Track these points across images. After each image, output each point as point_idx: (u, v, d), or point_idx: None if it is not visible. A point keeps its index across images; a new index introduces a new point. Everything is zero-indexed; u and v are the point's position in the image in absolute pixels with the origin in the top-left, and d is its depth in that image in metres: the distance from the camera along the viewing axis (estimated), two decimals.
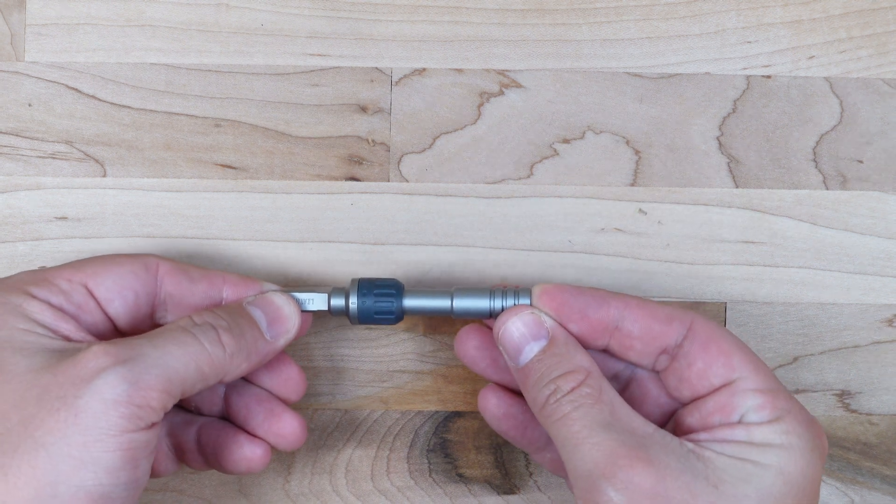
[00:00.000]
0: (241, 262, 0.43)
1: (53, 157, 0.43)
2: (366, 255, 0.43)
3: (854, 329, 0.44)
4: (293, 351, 0.43)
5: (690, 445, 0.34)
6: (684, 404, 0.37)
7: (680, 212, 0.44)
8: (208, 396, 0.40)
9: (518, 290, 0.38)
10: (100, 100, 0.43)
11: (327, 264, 0.43)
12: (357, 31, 0.43)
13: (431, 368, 0.43)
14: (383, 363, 0.43)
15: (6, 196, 0.43)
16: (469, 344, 0.39)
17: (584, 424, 0.34)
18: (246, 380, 0.39)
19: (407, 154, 0.43)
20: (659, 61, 0.44)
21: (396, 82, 0.43)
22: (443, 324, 0.43)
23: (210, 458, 0.39)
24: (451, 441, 0.43)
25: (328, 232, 0.43)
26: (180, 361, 0.34)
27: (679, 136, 0.44)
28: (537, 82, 0.43)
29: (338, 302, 0.39)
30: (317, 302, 0.39)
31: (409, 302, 0.39)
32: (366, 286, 0.39)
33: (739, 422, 0.35)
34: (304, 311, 0.39)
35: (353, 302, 0.39)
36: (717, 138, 0.44)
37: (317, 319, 0.41)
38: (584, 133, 0.43)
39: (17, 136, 0.43)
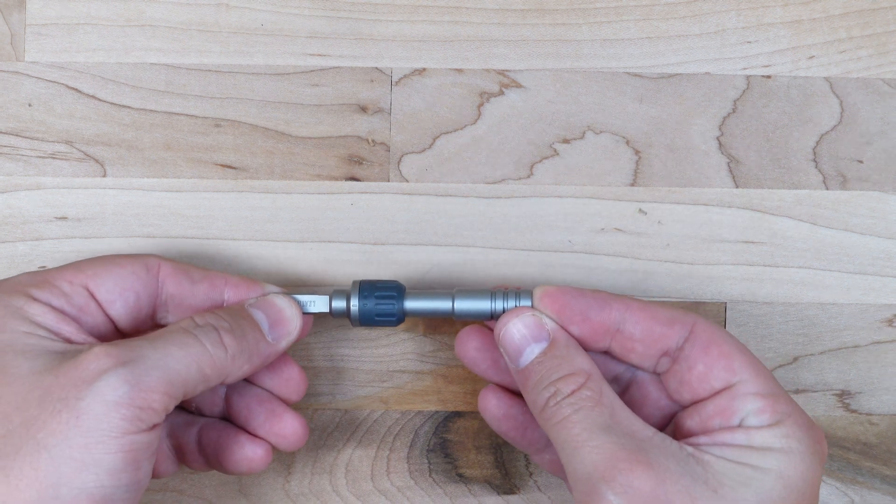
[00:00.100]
0: (241, 262, 0.43)
1: (53, 157, 0.43)
2: (366, 255, 0.43)
3: (854, 329, 0.44)
4: (293, 351, 0.43)
5: (690, 449, 0.34)
6: (685, 407, 0.37)
7: (680, 212, 0.44)
8: (209, 397, 0.40)
9: (519, 291, 0.38)
10: (100, 100, 0.43)
11: (327, 264, 0.43)
12: (357, 31, 0.43)
13: (431, 368, 0.43)
14: (383, 363, 0.43)
15: (6, 196, 0.43)
16: (469, 345, 0.39)
17: (584, 427, 0.34)
18: (247, 380, 0.39)
19: (407, 154, 0.43)
20: (659, 61, 0.44)
21: (396, 82, 0.43)
22: (443, 324, 0.43)
23: (211, 458, 0.39)
24: (451, 441, 0.43)
25: (328, 232, 0.43)
26: (182, 363, 0.34)
27: (679, 136, 0.44)
28: (537, 82, 0.43)
29: (339, 304, 0.39)
30: (318, 304, 0.39)
31: (410, 304, 0.39)
32: (367, 288, 0.39)
33: (739, 425, 0.35)
34: (305, 314, 0.39)
35: (354, 304, 0.39)
36: (717, 138, 0.44)
37: (317, 320, 0.41)
38: (584, 133, 0.43)
39: (17, 136, 0.43)
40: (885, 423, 0.44)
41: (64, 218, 0.43)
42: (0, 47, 0.43)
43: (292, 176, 0.43)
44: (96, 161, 0.43)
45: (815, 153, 0.44)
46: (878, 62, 0.44)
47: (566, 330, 0.37)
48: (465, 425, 0.44)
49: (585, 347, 0.38)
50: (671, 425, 0.38)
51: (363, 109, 0.43)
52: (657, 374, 0.38)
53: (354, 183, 0.43)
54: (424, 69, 0.43)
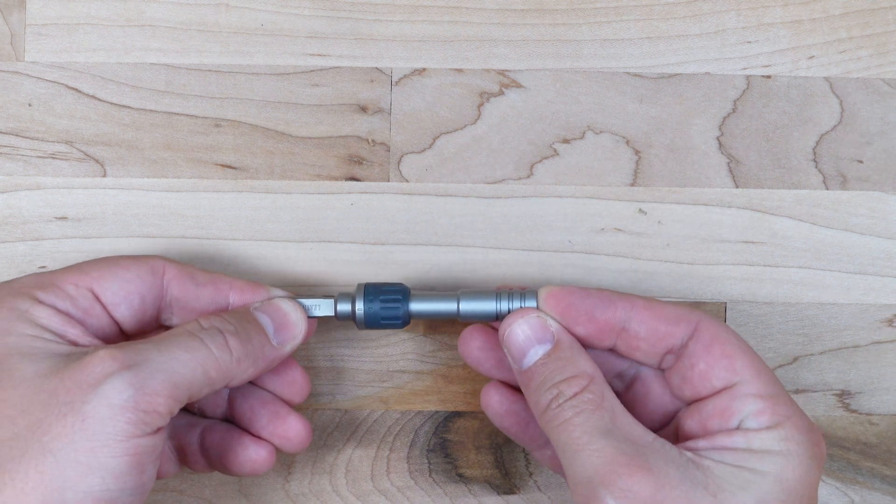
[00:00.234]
0: (242, 262, 0.43)
1: (53, 157, 0.43)
2: (366, 255, 0.43)
3: (854, 329, 0.44)
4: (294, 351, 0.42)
5: (689, 454, 0.34)
6: (687, 404, 0.37)
7: (680, 212, 0.44)
8: (212, 399, 0.40)
9: (524, 292, 0.38)
10: (100, 100, 0.43)
11: (327, 264, 0.43)
12: (357, 31, 0.43)
13: (431, 368, 0.43)
14: (383, 363, 0.43)
15: (6, 196, 0.43)
16: (473, 345, 0.39)
17: (585, 430, 0.34)
18: (250, 382, 0.39)
19: (407, 154, 0.43)
20: (659, 61, 0.44)
21: (396, 82, 0.43)
22: (443, 324, 0.43)
23: (214, 460, 0.39)
24: (451, 441, 0.43)
25: (328, 232, 0.43)
26: (187, 366, 0.34)
27: (679, 136, 0.44)
28: (537, 82, 0.43)
29: (344, 307, 0.39)
30: (323, 308, 0.39)
31: (416, 306, 0.39)
32: (372, 291, 0.39)
33: (738, 427, 0.35)
34: (310, 318, 0.39)
35: (360, 307, 0.39)
36: (717, 138, 0.44)
37: (319, 321, 0.41)
38: (584, 133, 0.43)
39: (17, 136, 0.43)
40: (885, 423, 0.44)
41: (64, 218, 0.43)
42: (0, 47, 0.43)
43: (292, 176, 0.43)
44: (96, 161, 0.43)
45: (815, 153, 0.44)
46: (878, 62, 0.44)
47: (571, 330, 0.37)
48: (465, 425, 0.44)
49: (591, 346, 0.38)
50: (673, 423, 0.38)
51: (363, 109, 0.43)
52: (661, 370, 0.38)
53: (354, 183, 0.43)
54: (424, 69, 0.43)
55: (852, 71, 0.44)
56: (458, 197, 0.43)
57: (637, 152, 0.43)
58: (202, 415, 0.40)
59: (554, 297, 0.37)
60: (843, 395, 0.44)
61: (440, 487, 0.43)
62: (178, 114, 0.43)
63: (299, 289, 0.43)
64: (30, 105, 0.43)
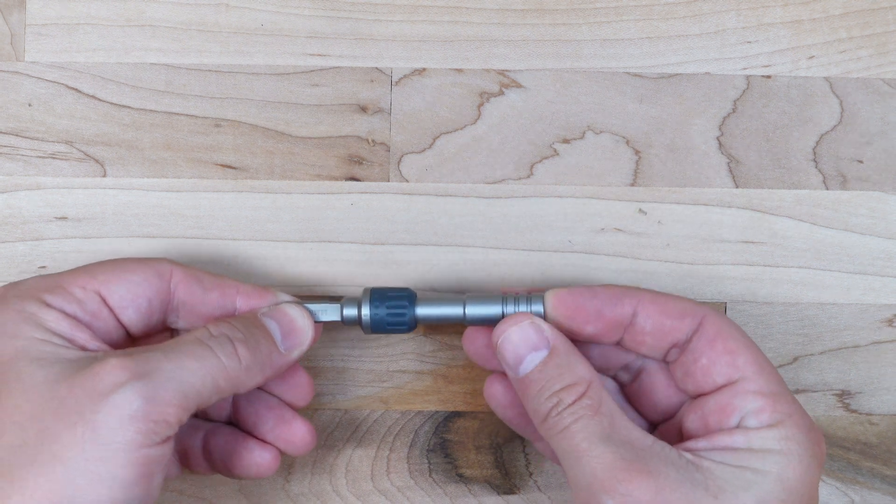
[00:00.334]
0: (241, 262, 0.43)
1: (53, 157, 0.43)
2: (366, 255, 0.43)
3: (854, 329, 0.44)
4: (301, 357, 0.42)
5: (689, 456, 0.34)
6: (691, 398, 0.37)
7: (680, 212, 0.44)
8: (217, 403, 0.40)
9: (530, 296, 0.38)
10: (100, 100, 0.43)
11: (327, 264, 0.43)
12: (357, 31, 0.43)
13: (431, 368, 0.43)
14: (383, 363, 0.43)
15: (6, 196, 0.43)
16: (478, 342, 0.39)
17: (584, 437, 0.34)
18: None
19: (407, 154, 0.43)
20: (659, 61, 0.44)
21: (396, 82, 0.43)
22: (444, 325, 0.43)
23: (217, 463, 0.39)
24: (451, 441, 0.43)
25: (328, 232, 0.43)
26: (196, 375, 0.34)
27: (679, 136, 0.44)
28: (537, 82, 0.43)
29: (350, 312, 0.39)
30: (329, 312, 0.39)
31: (422, 311, 0.39)
32: (378, 296, 0.39)
33: (738, 426, 0.35)
34: (316, 322, 0.39)
35: (366, 312, 0.39)
36: (717, 138, 0.44)
37: (323, 324, 0.41)
38: (584, 133, 0.43)
39: (17, 136, 0.43)
40: (885, 423, 0.44)
41: (64, 218, 0.43)
42: (0, 47, 0.43)
43: (292, 176, 0.43)
44: (96, 161, 0.43)
45: (815, 153, 0.44)
46: (878, 62, 0.44)
47: (581, 330, 0.37)
48: (465, 425, 0.44)
49: (598, 342, 0.38)
50: (677, 416, 0.38)
51: (363, 109, 0.43)
52: (667, 363, 0.38)
53: (354, 183, 0.43)
54: (424, 69, 0.43)
55: (852, 71, 0.44)
56: (458, 197, 0.43)
57: (637, 152, 0.43)
58: (206, 418, 0.40)
59: (561, 300, 0.37)
60: (843, 395, 0.44)
61: (440, 487, 0.43)
62: (178, 114, 0.43)
63: (299, 289, 0.43)
64: (30, 105, 0.43)
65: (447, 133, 0.43)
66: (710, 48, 0.44)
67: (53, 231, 0.43)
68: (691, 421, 0.37)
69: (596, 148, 0.43)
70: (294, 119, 0.43)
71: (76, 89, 0.43)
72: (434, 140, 0.43)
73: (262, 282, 0.43)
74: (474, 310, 0.39)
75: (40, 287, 0.36)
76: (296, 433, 0.39)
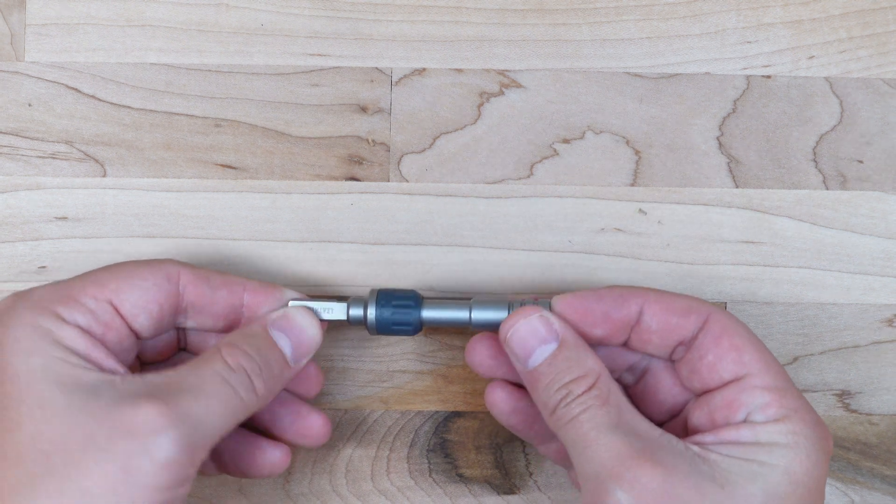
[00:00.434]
0: (241, 262, 0.43)
1: (53, 157, 0.43)
2: (366, 255, 0.43)
3: (854, 329, 0.44)
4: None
5: (696, 449, 0.35)
6: (696, 396, 0.38)
7: (680, 212, 0.44)
8: None
9: (537, 301, 0.38)
10: (100, 100, 0.43)
11: (327, 264, 0.43)
12: (357, 31, 0.43)
13: (431, 368, 0.43)
14: (383, 363, 0.43)
15: (6, 196, 0.43)
16: (483, 353, 0.39)
17: (592, 426, 0.35)
18: None
19: (407, 154, 0.43)
20: (659, 61, 0.44)
21: (396, 82, 0.43)
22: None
23: (228, 464, 0.39)
24: (451, 441, 0.43)
25: (328, 232, 0.43)
26: (223, 419, 0.34)
27: (679, 136, 0.44)
28: (537, 82, 0.43)
29: (356, 312, 0.39)
30: (336, 311, 0.39)
31: (427, 313, 0.39)
32: (384, 297, 0.39)
33: (745, 420, 0.35)
34: (322, 321, 0.39)
35: (372, 313, 0.39)
36: (717, 138, 0.44)
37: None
38: (584, 133, 0.43)
39: (17, 136, 0.43)
40: (885, 423, 0.44)
41: (64, 218, 0.43)
42: (0, 47, 0.43)
43: (292, 176, 0.43)
44: (96, 161, 0.43)
45: (815, 153, 0.44)
46: (878, 62, 0.44)
47: (589, 334, 0.37)
48: (465, 425, 0.44)
49: (606, 344, 0.38)
50: (682, 415, 0.38)
51: (363, 109, 0.43)
52: (672, 362, 0.38)
53: (354, 183, 0.43)
54: (424, 69, 0.43)
55: (852, 71, 0.44)
56: (458, 197, 0.43)
57: (637, 152, 0.44)
58: None
59: (568, 305, 0.37)
60: (843, 395, 0.44)
61: (440, 487, 0.43)
62: (178, 114, 0.43)
63: (300, 289, 0.43)
64: (30, 105, 0.43)
65: (447, 133, 0.43)
66: (710, 48, 0.44)
67: (53, 231, 0.43)
68: (697, 417, 0.37)
69: (596, 148, 0.43)
70: (294, 119, 0.43)
71: (76, 89, 0.43)
72: (434, 140, 0.43)
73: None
74: (480, 314, 0.39)
75: (52, 298, 0.35)
76: (313, 426, 0.39)
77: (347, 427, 0.43)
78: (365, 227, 0.43)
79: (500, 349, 0.39)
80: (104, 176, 0.43)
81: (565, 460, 0.40)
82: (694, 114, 0.44)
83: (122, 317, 0.36)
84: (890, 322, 0.44)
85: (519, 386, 0.40)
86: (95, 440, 0.32)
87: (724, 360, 0.36)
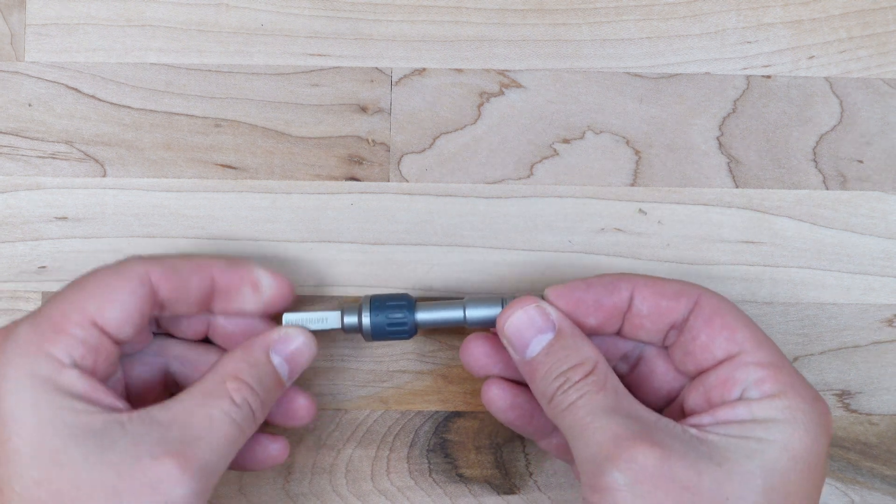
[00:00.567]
0: None
1: (53, 157, 0.43)
2: (366, 255, 0.43)
3: (854, 329, 0.44)
4: None
5: (693, 430, 0.35)
6: (691, 379, 0.38)
7: (680, 212, 0.44)
8: None
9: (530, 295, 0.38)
10: (100, 100, 0.43)
11: (327, 264, 0.43)
12: (357, 31, 0.43)
13: (431, 368, 0.43)
14: (383, 363, 0.43)
15: (6, 196, 0.43)
16: (478, 351, 0.39)
17: (589, 411, 0.35)
18: None
19: (407, 154, 0.43)
20: (659, 61, 0.44)
21: (396, 82, 0.43)
22: None
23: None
24: (451, 441, 0.43)
25: (328, 232, 0.43)
26: (229, 456, 0.36)
27: (679, 136, 0.44)
28: (537, 82, 0.43)
29: (350, 320, 0.39)
30: (330, 321, 0.39)
31: (422, 315, 0.39)
32: (377, 303, 0.39)
33: (741, 398, 0.35)
34: (316, 331, 0.39)
35: (366, 319, 0.39)
36: (717, 138, 0.44)
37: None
38: (584, 133, 0.43)
39: (17, 136, 0.43)
40: (885, 423, 0.44)
41: (64, 218, 0.43)
42: (0, 47, 0.43)
43: (292, 176, 0.43)
44: (96, 161, 0.43)
45: (815, 153, 0.44)
46: (878, 62, 0.44)
47: (583, 323, 0.38)
48: (465, 425, 0.44)
49: (600, 334, 0.38)
50: (678, 400, 0.38)
51: (363, 109, 0.43)
52: (665, 348, 0.38)
53: (354, 183, 0.43)
54: (424, 69, 0.43)
55: (852, 71, 0.44)
56: (458, 197, 0.43)
57: (637, 152, 0.43)
58: None
59: (560, 296, 0.38)
60: (843, 395, 0.44)
61: (440, 487, 0.43)
62: (178, 114, 0.43)
63: (299, 289, 0.43)
64: (30, 105, 0.43)
65: (447, 133, 0.43)
66: (710, 48, 0.44)
67: (53, 231, 0.43)
68: (693, 399, 0.37)
69: (596, 148, 0.43)
70: (294, 119, 0.43)
71: (76, 89, 0.43)
72: (434, 140, 0.43)
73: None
74: (474, 312, 0.39)
75: (40, 338, 0.35)
76: (300, 409, 0.40)
77: (347, 427, 0.43)
78: (365, 227, 0.43)
79: (494, 347, 0.39)
80: (104, 176, 0.43)
81: (566, 454, 0.40)
82: (694, 114, 0.44)
83: (108, 336, 0.36)
84: (890, 322, 0.44)
85: (515, 382, 0.40)
86: (119, 496, 0.33)
87: (717, 339, 0.36)
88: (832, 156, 0.44)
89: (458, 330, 0.43)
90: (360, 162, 0.43)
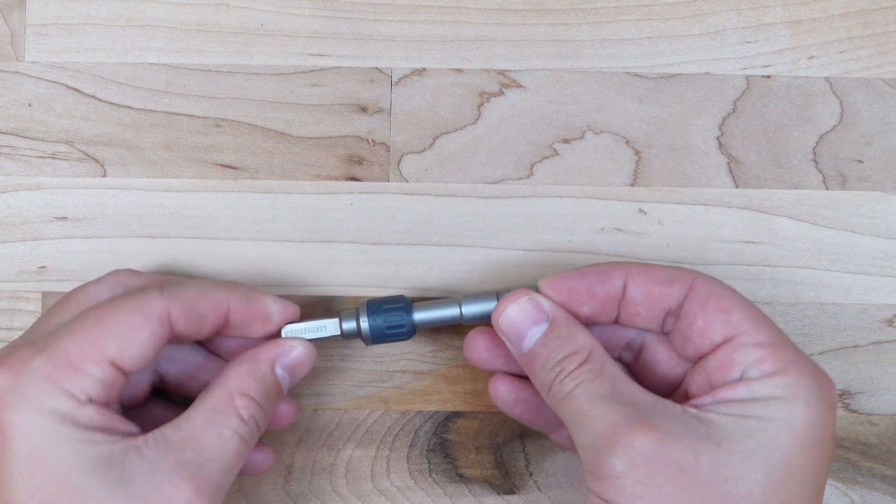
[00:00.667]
0: (241, 263, 0.43)
1: (53, 157, 0.43)
2: (366, 255, 0.43)
3: (854, 329, 0.44)
4: None
5: (693, 411, 0.35)
6: (693, 364, 0.38)
7: (680, 212, 0.44)
8: None
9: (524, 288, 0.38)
10: (100, 100, 0.43)
11: (327, 264, 0.43)
12: (357, 31, 0.43)
13: (431, 368, 0.43)
14: (383, 363, 0.43)
15: (6, 196, 0.43)
16: (481, 346, 0.40)
17: (586, 399, 0.35)
18: None
19: (407, 154, 0.43)
20: (659, 61, 0.44)
21: (396, 82, 0.43)
22: None
23: None
24: (451, 441, 0.43)
25: (328, 232, 0.43)
26: (236, 471, 0.37)
27: (679, 136, 0.44)
28: (537, 82, 0.43)
29: (349, 325, 0.40)
30: (329, 328, 0.40)
31: (419, 315, 0.40)
32: (374, 307, 0.39)
33: (741, 378, 0.35)
34: (314, 340, 0.39)
35: (364, 323, 0.39)
36: (717, 138, 0.44)
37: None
38: (584, 133, 0.43)
39: (17, 136, 0.43)
40: (885, 423, 0.44)
41: (64, 218, 0.43)
42: (0, 47, 0.43)
43: (292, 176, 0.43)
44: (96, 161, 0.43)
45: (815, 153, 0.44)
46: (878, 62, 0.44)
47: (577, 312, 0.38)
48: (465, 425, 0.44)
49: (597, 323, 0.38)
50: (682, 386, 0.38)
51: (363, 109, 0.43)
52: (666, 335, 0.38)
53: (354, 183, 0.43)
54: (424, 69, 0.43)
55: (852, 71, 0.44)
56: (458, 197, 0.43)
57: (637, 152, 0.43)
58: None
59: (553, 287, 0.38)
60: (843, 395, 0.44)
61: (440, 487, 0.43)
62: (178, 114, 0.43)
63: (300, 289, 0.43)
64: (30, 105, 0.43)
65: (447, 133, 0.43)
66: (710, 48, 0.44)
67: (53, 231, 0.43)
68: (696, 383, 0.37)
69: (596, 148, 0.43)
70: (294, 119, 0.43)
71: (76, 89, 0.43)
72: (434, 140, 0.43)
73: (262, 282, 0.43)
74: (470, 308, 0.39)
75: (55, 372, 0.35)
76: (282, 417, 0.40)
77: (347, 427, 0.43)
78: (365, 227, 0.43)
79: (497, 341, 0.39)
80: (104, 176, 0.43)
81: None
82: (694, 114, 0.44)
83: (124, 373, 0.36)
84: (890, 322, 0.44)
85: (521, 377, 0.40)
86: None
87: (713, 323, 0.36)
88: (832, 156, 0.44)
89: (458, 329, 0.43)
90: (360, 162, 0.43)
